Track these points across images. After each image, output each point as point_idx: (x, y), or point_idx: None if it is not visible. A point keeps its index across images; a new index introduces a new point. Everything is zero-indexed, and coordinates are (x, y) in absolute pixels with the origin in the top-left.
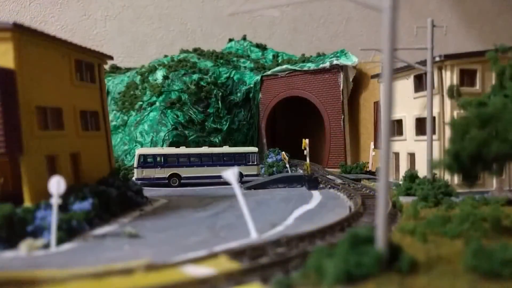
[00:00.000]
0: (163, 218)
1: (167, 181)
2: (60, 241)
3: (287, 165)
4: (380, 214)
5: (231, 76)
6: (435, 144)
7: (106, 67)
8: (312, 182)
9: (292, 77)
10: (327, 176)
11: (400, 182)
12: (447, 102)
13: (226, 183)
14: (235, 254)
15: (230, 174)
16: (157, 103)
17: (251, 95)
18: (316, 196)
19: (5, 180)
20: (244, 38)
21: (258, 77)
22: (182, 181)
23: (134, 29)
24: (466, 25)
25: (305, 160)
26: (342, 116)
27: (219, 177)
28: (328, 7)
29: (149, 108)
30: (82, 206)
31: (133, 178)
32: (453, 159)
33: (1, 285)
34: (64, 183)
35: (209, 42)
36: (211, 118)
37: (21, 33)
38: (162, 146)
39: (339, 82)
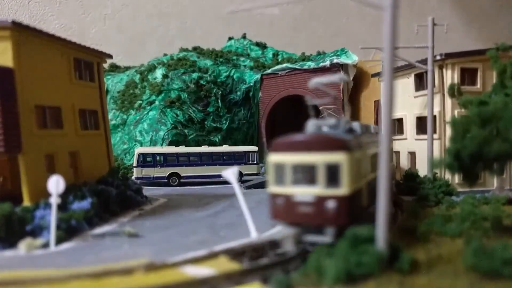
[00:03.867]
0: (163, 217)
1: (166, 180)
2: (59, 240)
3: None
4: (380, 213)
5: (231, 74)
6: (436, 143)
7: (105, 65)
8: None
9: (292, 75)
10: None
11: (401, 181)
12: (448, 101)
13: (226, 182)
14: (235, 254)
15: (230, 173)
16: (157, 102)
17: (251, 93)
18: None
19: (4, 179)
20: (244, 37)
21: (258, 76)
22: (181, 180)
23: (133, 27)
24: (467, 23)
25: None
26: (343, 115)
27: (219, 176)
28: (329, 5)
29: (148, 107)
30: (81, 205)
31: (133, 177)
32: (454, 158)
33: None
34: (63, 182)
35: (208, 41)
36: (211, 117)
37: (19, 32)
38: (161, 145)
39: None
